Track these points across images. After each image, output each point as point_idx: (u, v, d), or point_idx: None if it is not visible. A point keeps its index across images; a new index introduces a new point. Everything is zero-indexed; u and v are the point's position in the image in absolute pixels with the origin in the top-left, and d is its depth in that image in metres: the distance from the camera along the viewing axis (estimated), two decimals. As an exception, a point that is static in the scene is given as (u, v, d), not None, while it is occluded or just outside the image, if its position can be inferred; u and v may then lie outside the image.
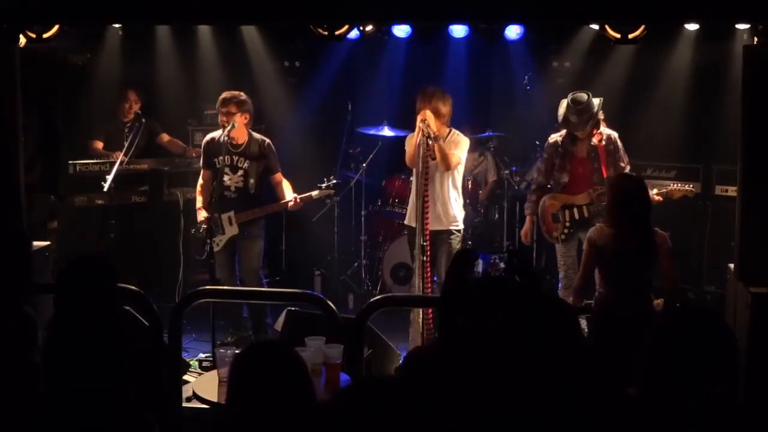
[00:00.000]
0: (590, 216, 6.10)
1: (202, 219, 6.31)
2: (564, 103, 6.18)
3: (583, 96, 6.10)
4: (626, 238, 4.67)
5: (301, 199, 6.39)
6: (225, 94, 6.34)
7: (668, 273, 4.77)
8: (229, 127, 6.24)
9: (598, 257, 4.77)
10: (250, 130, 6.43)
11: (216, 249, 6.33)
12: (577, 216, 6.15)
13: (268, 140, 6.46)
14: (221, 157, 6.32)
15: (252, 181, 6.41)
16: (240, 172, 6.39)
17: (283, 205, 6.43)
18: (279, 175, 6.47)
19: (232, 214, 6.38)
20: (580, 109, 6.07)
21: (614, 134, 6.19)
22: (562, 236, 6.19)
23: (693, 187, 6.26)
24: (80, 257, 3.58)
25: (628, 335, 4.43)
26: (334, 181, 6.61)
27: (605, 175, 6.08)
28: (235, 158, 6.37)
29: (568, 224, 6.18)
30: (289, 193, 6.43)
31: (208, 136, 6.50)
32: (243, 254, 6.49)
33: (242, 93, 6.37)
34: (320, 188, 6.52)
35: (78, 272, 3.46)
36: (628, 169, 6.18)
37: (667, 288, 4.76)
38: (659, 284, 4.86)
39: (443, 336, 3.43)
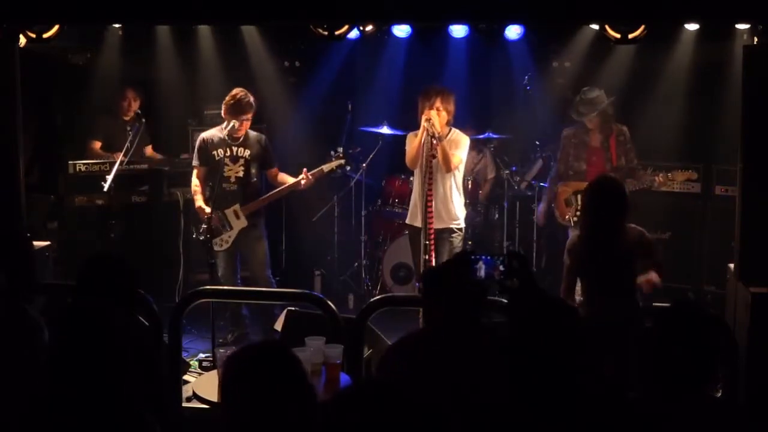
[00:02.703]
0: None
1: (208, 214, 6.18)
2: (578, 95, 6.77)
3: (594, 92, 6.66)
4: (596, 241, 4.59)
5: (312, 174, 6.38)
6: (237, 99, 6.25)
7: (652, 264, 4.65)
8: (229, 126, 6.29)
9: (578, 265, 4.71)
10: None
11: (226, 246, 6.38)
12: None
13: (264, 136, 6.52)
14: (219, 150, 6.36)
15: (253, 170, 6.42)
16: (241, 162, 6.39)
17: (295, 184, 6.39)
18: (276, 170, 6.51)
19: (237, 207, 6.38)
20: (587, 100, 6.63)
21: (625, 128, 6.71)
22: (574, 218, 6.56)
23: (694, 172, 6.75)
24: (101, 257, 3.58)
25: (611, 337, 4.42)
26: (341, 150, 6.60)
27: (614, 164, 6.58)
28: (235, 149, 6.38)
29: (577, 209, 6.48)
30: (292, 179, 6.42)
31: (203, 135, 6.47)
32: (251, 257, 6.50)
33: (243, 92, 6.32)
34: (330, 161, 6.55)
35: (96, 272, 3.46)
36: (635, 162, 6.64)
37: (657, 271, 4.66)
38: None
39: (431, 334, 3.43)
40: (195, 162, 6.51)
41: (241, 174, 6.39)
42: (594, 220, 4.62)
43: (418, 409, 2.00)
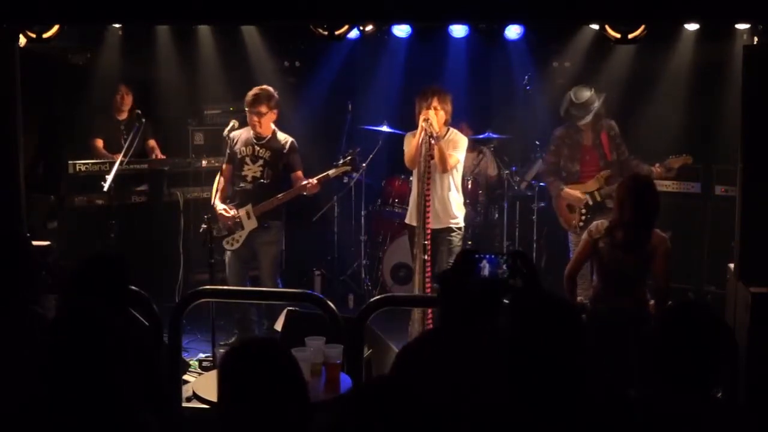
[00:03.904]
0: (602, 199, 6.52)
1: (220, 213, 6.29)
2: (567, 97, 6.62)
3: (585, 93, 6.54)
4: (621, 235, 4.66)
5: (318, 180, 6.35)
6: (255, 92, 6.30)
7: (660, 274, 4.75)
8: (230, 125, 6.31)
9: (593, 250, 4.78)
10: (274, 127, 6.44)
11: (236, 246, 6.38)
12: (590, 202, 6.53)
13: (292, 139, 6.47)
14: (243, 148, 6.39)
15: (270, 171, 6.38)
16: (260, 162, 6.37)
17: (301, 189, 6.36)
18: (300, 173, 6.46)
19: (249, 207, 6.37)
20: (580, 104, 6.52)
21: (613, 122, 6.66)
22: (581, 224, 6.49)
23: (689, 156, 6.57)
24: (95, 257, 3.59)
25: (620, 335, 4.46)
26: (349, 157, 6.59)
27: (609, 160, 6.56)
28: (257, 148, 6.38)
29: (583, 211, 6.51)
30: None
31: (233, 133, 6.48)
32: (261, 259, 6.48)
33: (269, 87, 6.37)
34: (336, 166, 6.55)
35: (90, 272, 3.46)
36: (626, 155, 6.63)
37: (659, 287, 4.74)
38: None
39: (440, 334, 3.43)
40: (225, 159, 6.54)
41: (258, 174, 6.38)
42: (626, 216, 4.65)
43: (419, 409, 2.00)
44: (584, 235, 4.91)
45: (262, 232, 6.40)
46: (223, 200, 6.42)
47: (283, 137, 6.46)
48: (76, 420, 2.54)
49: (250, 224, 6.37)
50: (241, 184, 6.41)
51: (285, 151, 6.41)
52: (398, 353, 3.54)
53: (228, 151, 6.49)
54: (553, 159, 6.72)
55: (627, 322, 4.55)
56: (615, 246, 4.68)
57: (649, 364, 2.72)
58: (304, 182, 6.34)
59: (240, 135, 6.44)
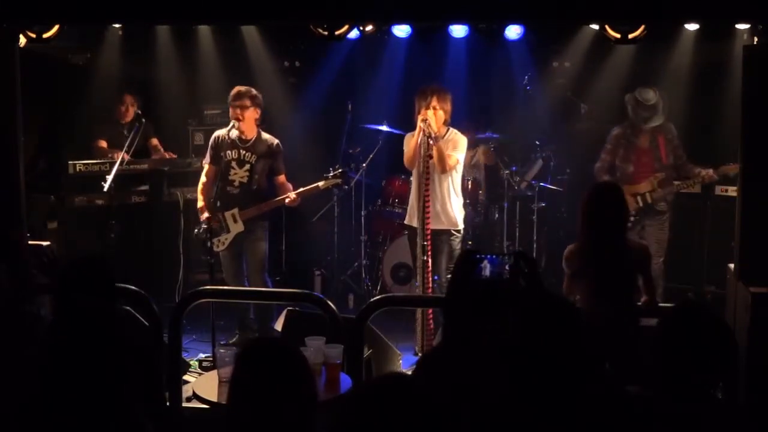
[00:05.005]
0: (653, 201, 6.64)
1: (205, 218, 6.24)
2: (632, 98, 6.68)
3: (651, 94, 6.63)
4: (597, 250, 4.48)
5: (297, 194, 6.34)
6: (239, 88, 6.30)
7: (650, 280, 4.59)
8: (232, 124, 6.27)
9: (577, 277, 4.57)
10: (259, 128, 6.40)
11: (222, 248, 6.36)
12: (641, 203, 6.63)
13: (277, 141, 6.45)
14: (228, 151, 6.32)
15: (256, 176, 6.36)
16: (246, 167, 6.35)
17: (281, 201, 6.37)
18: (283, 177, 6.44)
19: (235, 211, 6.35)
20: (650, 106, 6.60)
21: (671, 125, 6.72)
22: (629, 224, 6.32)
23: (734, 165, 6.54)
24: (79, 257, 3.59)
25: (612, 338, 4.40)
26: (340, 170, 6.60)
27: (664, 163, 6.64)
28: (243, 152, 6.35)
29: (633, 213, 6.42)
30: (292, 193, 6.37)
31: (216, 133, 6.46)
32: (248, 257, 6.46)
33: (253, 89, 6.35)
34: (326, 178, 6.51)
35: (77, 272, 3.47)
36: (684, 158, 6.72)
37: (650, 293, 4.57)
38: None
39: (446, 337, 3.44)
40: (206, 160, 6.50)
41: (245, 180, 6.36)
42: (595, 226, 4.51)
43: (420, 409, 2.00)
44: (563, 264, 4.64)
45: (247, 232, 6.40)
46: (207, 201, 6.38)
47: (268, 138, 6.42)
48: (75, 420, 2.54)
49: (237, 227, 6.37)
50: (228, 188, 6.37)
51: (271, 152, 6.38)
52: (420, 357, 3.55)
53: (211, 152, 6.44)
54: (609, 158, 6.77)
55: (622, 326, 4.47)
56: (597, 263, 4.48)
57: (649, 365, 2.72)
58: (284, 196, 6.33)
59: (224, 136, 6.36)
